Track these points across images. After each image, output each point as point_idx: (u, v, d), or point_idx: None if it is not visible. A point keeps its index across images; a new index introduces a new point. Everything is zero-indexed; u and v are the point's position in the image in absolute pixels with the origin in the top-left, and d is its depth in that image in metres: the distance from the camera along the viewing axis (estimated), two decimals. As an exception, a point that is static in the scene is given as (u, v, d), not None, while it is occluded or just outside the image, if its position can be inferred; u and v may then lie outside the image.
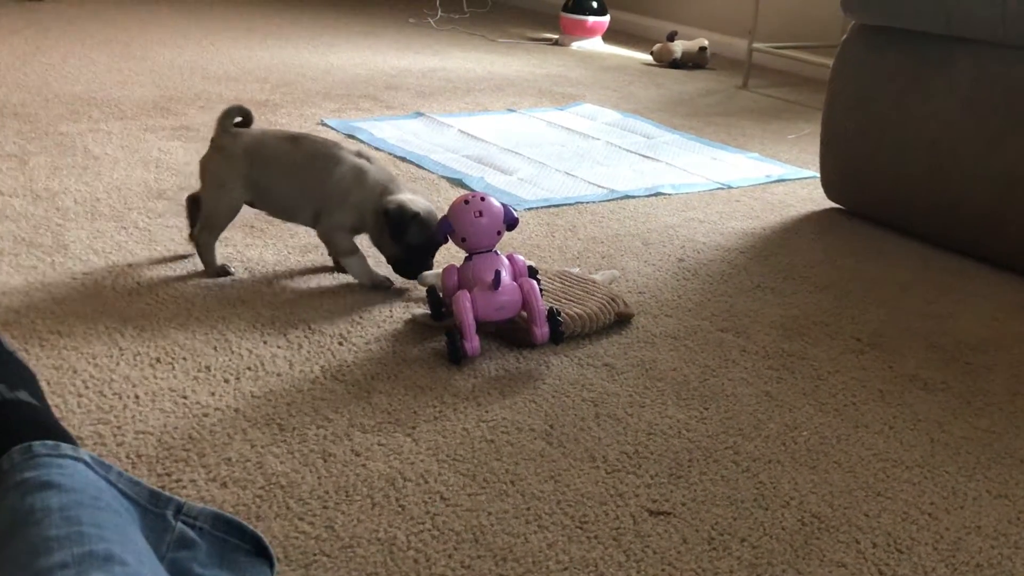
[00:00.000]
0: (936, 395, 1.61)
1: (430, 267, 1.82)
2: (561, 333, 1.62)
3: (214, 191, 1.82)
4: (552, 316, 1.62)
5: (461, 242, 1.67)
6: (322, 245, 1.92)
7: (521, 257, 1.70)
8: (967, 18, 2.10)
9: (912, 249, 2.24)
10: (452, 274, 1.68)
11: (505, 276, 1.63)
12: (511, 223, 1.68)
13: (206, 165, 1.83)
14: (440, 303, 1.69)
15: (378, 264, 1.88)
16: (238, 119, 1.84)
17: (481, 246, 1.67)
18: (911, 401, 1.58)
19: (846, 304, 1.93)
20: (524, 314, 1.65)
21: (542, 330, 1.62)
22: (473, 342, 1.60)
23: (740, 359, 1.67)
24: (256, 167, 1.81)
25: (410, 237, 1.77)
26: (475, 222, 1.65)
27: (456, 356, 1.59)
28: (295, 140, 1.83)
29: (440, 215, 1.76)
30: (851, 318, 1.87)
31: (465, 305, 1.60)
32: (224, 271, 1.83)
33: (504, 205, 1.69)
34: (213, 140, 1.83)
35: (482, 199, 1.67)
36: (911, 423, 1.52)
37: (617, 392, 1.54)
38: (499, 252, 1.69)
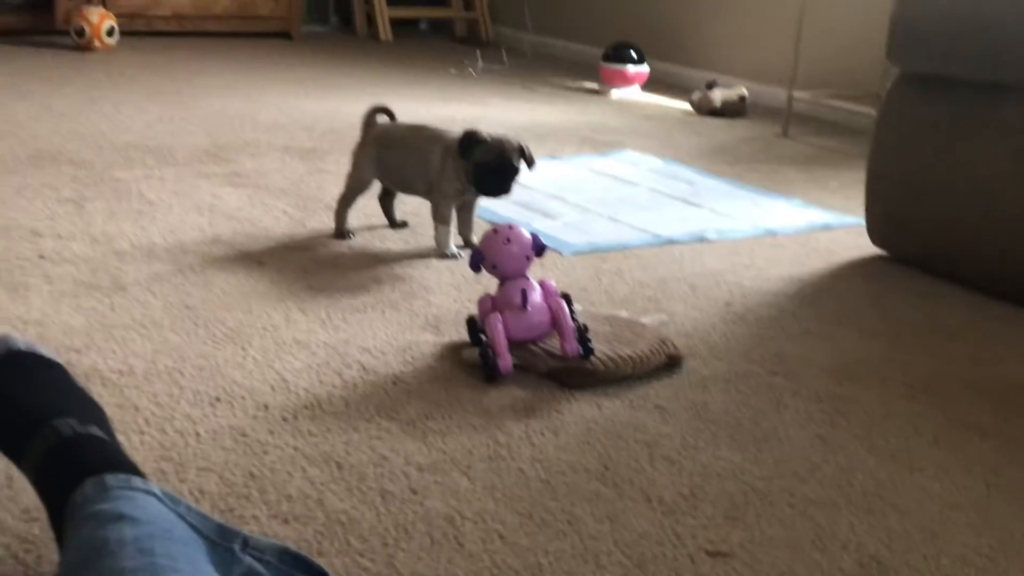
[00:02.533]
0: (989, 440, 1.61)
1: (508, 190, 2.19)
2: (590, 347, 1.68)
3: (352, 170, 2.32)
4: (580, 331, 1.68)
5: (492, 269, 1.75)
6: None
7: (552, 282, 1.76)
8: (1014, 64, 2.11)
9: (960, 296, 2.24)
10: (487, 302, 1.76)
11: (535, 297, 1.72)
12: (539, 249, 1.76)
13: (353, 151, 2.34)
14: (478, 331, 1.74)
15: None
16: (381, 115, 2.35)
17: (511, 272, 1.75)
18: (964, 446, 1.58)
19: (896, 350, 1.93)
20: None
21: (572, 345, 1.68)
22: (505, 359, 1.67)
23: (792, 403, 1.68)
24: (382, 150, 2.28)
25: (478, 155, 2.15)
26: (504, 249, 1.73)
27: (490, 374, 1.66)
28: (413, 128, 2.30)
29: (516, 145, 2.17)
30: (901, 364, 1.87)
31: (496, 326, 1.68)
32: (345, 235, 2.32)
33: (532, 233, 1.77)
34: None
35: (509, 228, 1.76)
36: (965, 467, 1.52)
37: (670, 434, 1.55)
38: (530, 278, 1.75)
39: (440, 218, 2.25)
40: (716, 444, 1.53)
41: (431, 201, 2.26)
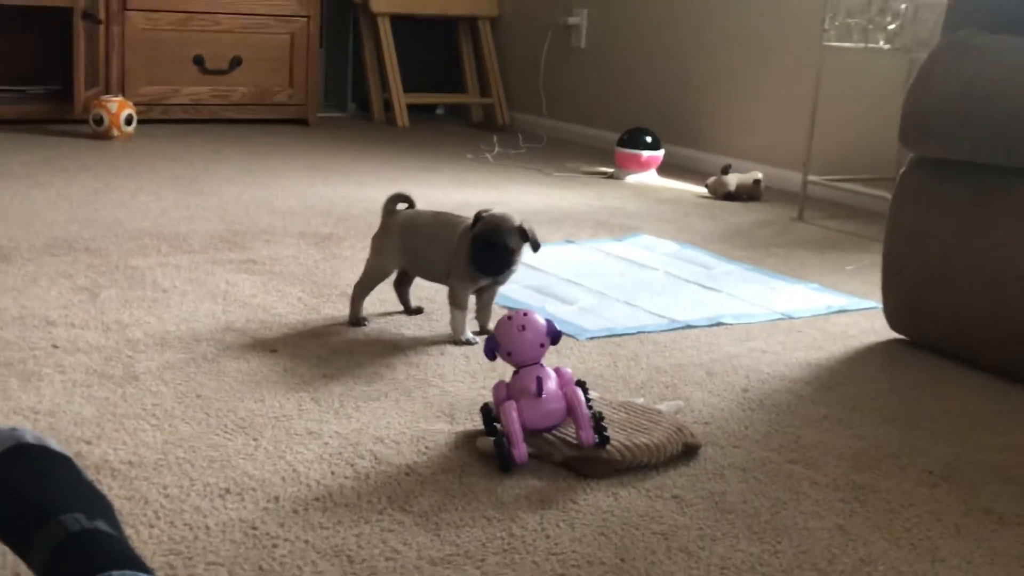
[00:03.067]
0: (1013, 529, 1.57)
1: (499, 268, 2.19)
2: (606, 435, 1.66)
3: (373, 257, 2.31)
4: (596, 419, 1.66)
5: (507, 356, 1.74)
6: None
7: (568, 370, 1.75)
8: (1027, 149, 2.11)
9: (979, 381, 2.21)
10: (501, 389, 1.74)
11: (550, 385, 1.70)
12: (555, 337, 1.75)
13: (373, 238, 2.34)
14: (492, 419, 1.72)
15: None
16: (401, 203, 2.33)
17: (526, 359, 1.73)
18: (988, 535, 1.55)
19: (915, 436, 1.90)
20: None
21: (587, 434, 1.66)
22: (520, 449, 1.65)
23: (811, 491, 1.65)
24: (407, 238, 2.27)
25: (476, 228, 2.16)
26: (519, 336, 1.72)
27: (505, 463, 1.64)
28: (437, 215, 2.32)
29: (516, 225, 2.16)
30: (922, 450, 1.84)
31: (511, 415, 1.65)
32: (359, 322, 2.31)
33: (547, 320, 1.76)
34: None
35: (524, 315, 1.75)
36: (989, 557, 1.48)
37: (687, 525, 1.52)
38: (545, 365, 1.74)
39: (457, 303, 2.24)
40: (734, 535, 1.50)
41: (448, 285, 2.26)
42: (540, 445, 1.70)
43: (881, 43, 3.58)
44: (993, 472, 1.77)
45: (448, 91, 5.91)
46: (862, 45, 3.64)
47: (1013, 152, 2.13)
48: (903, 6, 3.48)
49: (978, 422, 1.99)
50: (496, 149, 4.94)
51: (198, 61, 5.04)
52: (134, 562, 1.08)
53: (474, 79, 5.85)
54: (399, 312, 2.42)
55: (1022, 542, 1.53)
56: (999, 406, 2.08)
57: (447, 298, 2.26)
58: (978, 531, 1.56)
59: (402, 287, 2.42)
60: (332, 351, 2.14)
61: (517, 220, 2.19)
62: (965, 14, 2.34)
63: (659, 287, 2.79)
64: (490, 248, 2.17)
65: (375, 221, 2.38)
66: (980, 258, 2.21)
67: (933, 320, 2.34)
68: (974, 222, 2.23)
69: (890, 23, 3.55)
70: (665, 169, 4.58)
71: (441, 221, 2.29)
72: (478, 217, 2.19)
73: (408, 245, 2.29)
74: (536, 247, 2.21)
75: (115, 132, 4.52)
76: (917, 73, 2.33)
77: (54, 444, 1.28)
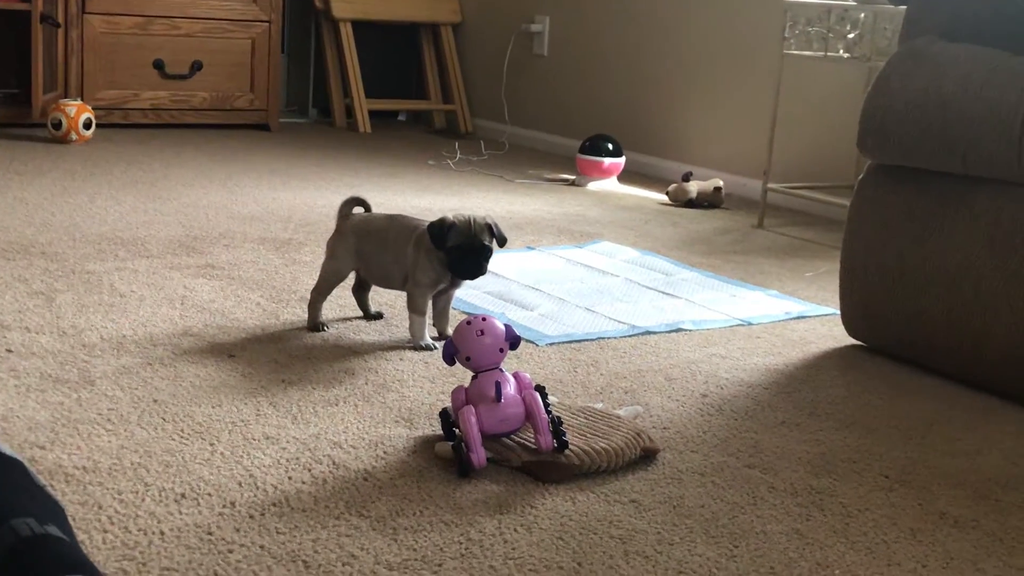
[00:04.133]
0: (968, 533, 1.59)
1: (484, 270, 2.19)
2: (565, 440, 1.66)
3: (328, 261, 2.31)
4: (554, 424, 1.67)
5: (466, 361, 1.74)
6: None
7: (527, 375, 1.75)
8: (983, 158, 2.13)
9: (936, 386, 2.23)
10: (460, 394, 1.74)
11: (509, 389, 1.70)
12: (513, 341, 1.75)
13: (327, 242, 2.35)
14: (451, 424, 1.72)
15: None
16: (357, 207, 2.34)
17: (485, 364, 1.73)
18: (943, 539, 1.56)
19: (872, 441, 1.91)
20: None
21: (546, 438, 1.66)
22: (479, 454, 1.64)
23: (768, 496, 1.66)
24: (361, 241, 2.27)
25: (450, 240, 2.14)
26: (477, 341, 1.72)
27: (463, 468, 1.64)
28: (391, 218, 2.31)
29: (484, 223, 2.17)
30: (878, 455, 1.85)
31: (470, 419, 1.65)
32: (318, 327, 2.29)
33: (506, 325, 1.76)
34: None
35: (483, 319, 1.74)
36: (944, 561, 1.50)
37: (645, 529, 1.52)
38: (504, 370, 1.74)
39: (415, 309, 2.24)
40: (692, 539, 1.50)
41: (405, 291, 2.25)
42: (498, 450, 1.70)
43: (840, 52, 3.61)
44: (948, 476, 1.78)
45: (410, 97, 5.91)
46: (822, 54, 3.67)
47: (968, 160, 2.15)
48: (862, 15, 3.51)
49: (934, 427, 2.00)
50: (458, 155, 4.94)
51: (158, 65, 5.01)
52: (86, 567, 1.06)
53: (436, 85, 5.85)
54: (358, 317, 2.41)
55: (976, 546, 1.55)
56: (954, 411, 2.10)
57: (406, 304, 2.26)
58: (933, 535, 1.57)
59: (361, 293, 2.41)
60: (291, 356, 2.13)
61: (480, 217, 2.19)
62: (922, 23, 2.37)
63: (619, 293, 2.79)
64: (470, 254, 2.17)
65: (334, 226, 2.37)
66: (937, 265, 2.23)
67: (890, 326, 2.36)
68: (931, 229, 2.25)
69: (849, 32, 3.58)
70: (626, 176, 4.59)
71: (396, 225, 2.29)
72: (442, 227, 2.16)
73: (362, 248, 2.29)
74: (503, 242, 2.21)
75: (73, 136, 4.48)
76: (874, 81, 2.35)
77: (6, 448, 1.26)
